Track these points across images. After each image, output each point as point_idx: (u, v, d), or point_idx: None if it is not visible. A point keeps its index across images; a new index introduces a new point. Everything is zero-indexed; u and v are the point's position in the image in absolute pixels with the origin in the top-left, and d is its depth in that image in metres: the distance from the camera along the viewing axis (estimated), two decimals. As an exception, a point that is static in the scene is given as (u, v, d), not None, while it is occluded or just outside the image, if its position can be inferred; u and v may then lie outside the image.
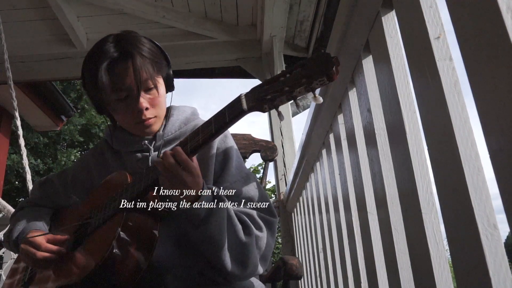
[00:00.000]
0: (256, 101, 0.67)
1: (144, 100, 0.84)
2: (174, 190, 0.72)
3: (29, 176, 2.06)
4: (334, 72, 0.60)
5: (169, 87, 0.93)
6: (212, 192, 0.78)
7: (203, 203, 0.74)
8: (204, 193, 0.74)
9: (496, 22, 0.36)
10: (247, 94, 0.69)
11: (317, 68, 0.62)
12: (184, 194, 0.72)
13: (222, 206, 0.76)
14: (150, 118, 0.86)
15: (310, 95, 0.64)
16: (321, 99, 0.63)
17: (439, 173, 0.49)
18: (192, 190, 0.73)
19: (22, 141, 2.09)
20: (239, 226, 0.78)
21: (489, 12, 0.37)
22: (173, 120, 0.95)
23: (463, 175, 0.43)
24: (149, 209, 0.79)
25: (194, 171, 0.73)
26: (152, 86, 0.85)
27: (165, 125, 0.93)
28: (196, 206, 0.73)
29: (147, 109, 0.85)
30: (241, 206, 0.85)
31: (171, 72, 0.93)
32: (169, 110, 0.97)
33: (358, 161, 0.81)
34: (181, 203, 0.73)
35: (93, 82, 0.83)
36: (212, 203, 0.76)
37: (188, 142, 0.74)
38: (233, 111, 0.69)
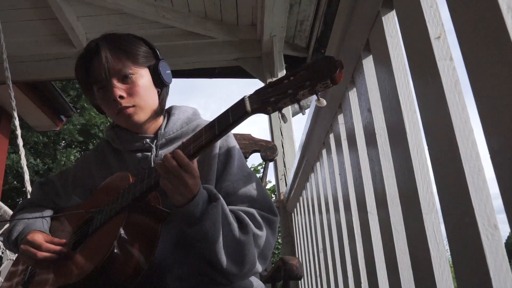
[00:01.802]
0: (260, 103, 0.67)
1: (118, 89, 0.85)
2: (175, 192, 0.72)
3: (27, 176, 2.06)
4: (338, 75, 0.61)
5: (159, 81, 0.92)
6: (207, 191, 0.78)
7: (199, 202, 0.74)
8: (200, 192, 0.75)
9: (496, 22, 0.36)
10: (250, 96, 0.69)
11: (321, 71, 0.62)
12: (184, 195, 0.73)
13: (216, 205, 0.76)
14: (128, 107, 0.87)
15: (312, 97, 0.64)
16: (324, 102, 0.63)
17: (439, 173, 0.49)
18: (192, 191, 0.73)
19: (20, 141, 2.08)
20: (234, 225, 0.78)
21: (489, 12, 0.37)
22: (175, 119, 0.95)
23: (463, 175, 0.43)
24: (150, 209, 0.79)
25: (195, 173, 0.73)
26: (128, 75, 0.86)
27: (166, 124, 0.94)
28: (192, 206, 0.73)
29: (121, 97, 0.86)
30: (242, 204, 0.85)
31: (161, 66, 0.92)
32: (170, 109, 0.98)
33: (358, 161, 0.81)
34: (178, 203, 0.74)
35: (76, 76, 0.90)
36: (207, 202, 0.76)
37: (191, 143, 0.74)
38: (236, 113, 0.69)
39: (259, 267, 0.82)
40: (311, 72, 0.63)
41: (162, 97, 0.95)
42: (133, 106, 0.87)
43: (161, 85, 0.93)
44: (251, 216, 0.83)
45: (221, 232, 0.76)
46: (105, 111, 0.92)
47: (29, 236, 0.86)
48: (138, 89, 0.87)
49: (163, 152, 0.91)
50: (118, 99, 0.85)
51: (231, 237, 0.77)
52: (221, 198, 0.79)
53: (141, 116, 0.89)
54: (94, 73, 0.87)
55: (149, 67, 0.91)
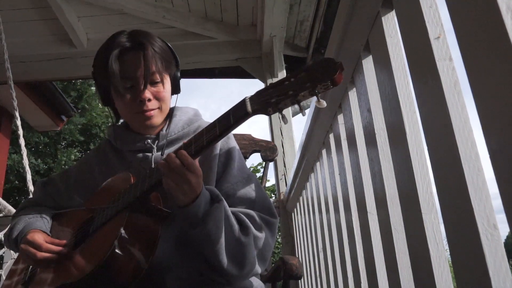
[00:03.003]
0: (261, 104, 0.67)
1: (148, 92, 0.86)
2: (179, 191, 0.73)
3: (29, 176, 2.06)
4: (338, 77, 0.61)
5: (175, 89, 0.95)
6: (210, 192, 0.78)
7: (201, 203, 0.74)
8: (202, 193, 0.75)
9: (496, 22, 0.36)
10: (251, 97, 0.70)
11: (322, 72, 0.62)
12: (188, 194, 0.73)
13: (219, 206, 0.76)
14: (151, 110, 0.87)
15: (312, 97, 0.65)
16: (324, 104, 0.64)
17: (439, 173, 0.49)
18: (195, 191, 0.73)
19: (22, 141, 2.09)
20: (236, 226, 0.78)
21: (489, 12, 0.37)
22: (176, 120, 0.95)
23: (463, 175, 0.43)
24: (151, 210, 0.79)
25: (199, 172, 0.74)
26: (159, 80, 0.87)
27: (168, 125, 0.94)
28: (194, 206, 0.73)
29: (149, 100, 0.86)
30: (242, 206, 0.85)
31: (179, 74, 0.95)
32: (172, 110, 0.98)
33: (358, 161, 0.81)
34: (182, 203, 0.74)
35: (103, 68, 0.86)
36: (210, 203, 0.77)
37: (192, 143, 0.74)
38: (237, 114, 0.69)
39: (258, 269, 0.82)
40: (311, 73, 0.63)
41: (171, 103, 0.97)
42: (157, 108, 0.89)
43: (175, 92, 0.96)
44: (251, 218, 0.83)
45: (223, 233, 0.76)
46: (123, 108, 0.90)
47: (29, 236, 0.86)
48: (165, 94, 0.89)
49: (164, 153, 0.91)
50: (147, 101, 0.86)
51: (233, 239, 0.77)
52: (224, 200, 0.79)
53: (159, 119, 0.91)
54: (129, 67, 0.84)
55: (170, 75, 0.92)
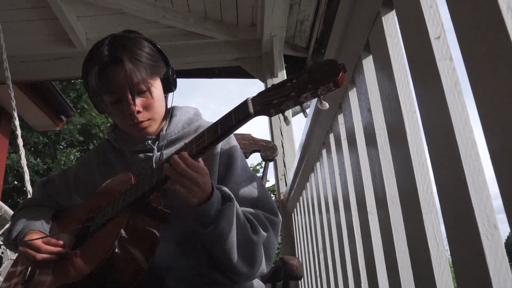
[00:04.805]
0: (263, 105, 0.67)
1: (136, 104, 0.83)
2: (190, 194, 0.72)
3: (27, 177, 2.05)
4: (341, 78, 0.61)
5: (168, 89, 0.92)
6: (220, 191, 0.79)
7: (214, 202, 0.75)
8: (214, 192, 0.75)
9: (496, 22, 0.36)
10: (253, 98, 0.70)
11: (324, 74, 0.62)
12: (199, 196, 0.73)
13: (231, 204, 0.77)
14: (143, 121, 0.86)
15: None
16: (327, 105, 0.63)
17: (439, 173, 0.49)
18: (205, 191, 0.73)
19: (20, 141, 2.08)
20: (247, 225, 0.79)
21: (489, 12, 0.37)
22: (176, 120, 0.95)
23: (463, 175, 0.43)
24: (152, 210, 0.79)
25: (205, 171, 0.74)
26: (145, 89, 0.84)
27: (168, 125, 0.94)
28: (207, 206, 0.74)
29: (138, 112, 0.84)
30: (246, 206, 0.85)
31: (171, 72, 0.91)
32: (172, 110, 0.97)
33: (358, 161, 0.81)
34: (193, 204, 0.74)
35: (87, 84, 0.85)
36: (221, 201, 0.77)
37: (194, 143, 0.74)
38: (239, 115, 0.69)
39: (265, 269, 0.82)
40: (314, 75, 0.63)
41: (167, 100, 0.95)
42: (148, 119, 0.87)
43: (169, 91, 0.93)
44: (257, 217, 0.83)
45: (235, 232, 0.76)
46: (116, 120, 0.90)
47: (27, 238, 0.85)
48: (154, 102, 0.86)
49: (165, 153, 0.91)
50: (136, 114, 0.84)
51: (244, 237, 0.78)
52: (234, 198, 0.79)
53: (154, 127, 0.90)
54: (110, 83, 0.82)
55: (160, 77, 0.89)
